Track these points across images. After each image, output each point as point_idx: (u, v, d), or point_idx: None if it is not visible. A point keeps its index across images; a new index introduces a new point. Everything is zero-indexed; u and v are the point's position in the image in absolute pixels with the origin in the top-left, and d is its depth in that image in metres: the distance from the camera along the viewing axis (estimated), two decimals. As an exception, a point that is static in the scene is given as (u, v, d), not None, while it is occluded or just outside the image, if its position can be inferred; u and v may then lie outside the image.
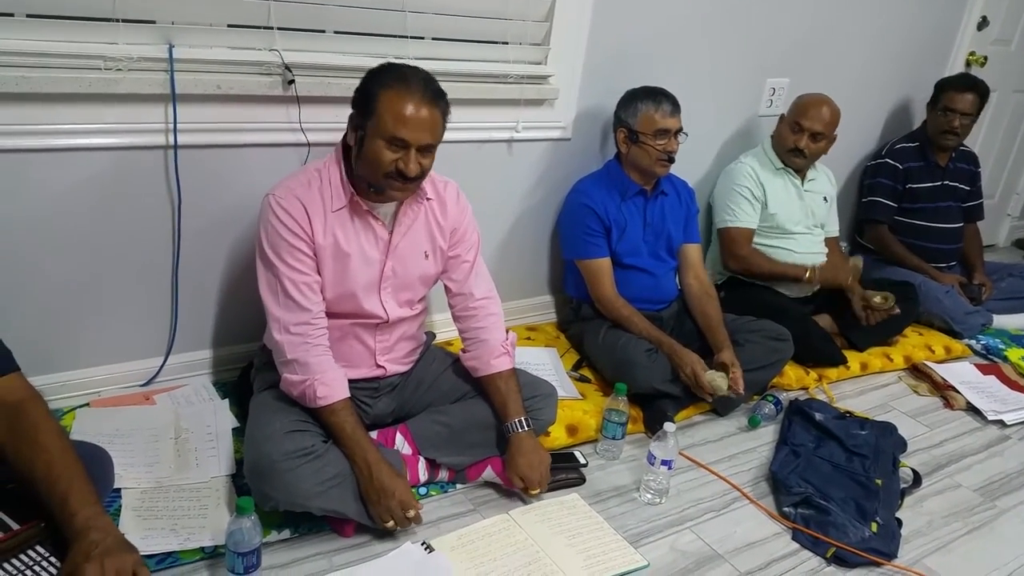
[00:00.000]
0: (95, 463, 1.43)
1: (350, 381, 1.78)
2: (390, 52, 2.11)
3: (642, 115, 2.37)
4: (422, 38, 2.17)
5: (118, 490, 1.71)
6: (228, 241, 2.10)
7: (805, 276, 2.79)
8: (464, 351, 1.99)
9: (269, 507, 1.64)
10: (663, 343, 2.34)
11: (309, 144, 2.06)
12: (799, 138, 2.75)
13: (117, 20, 1.75)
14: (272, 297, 1.72)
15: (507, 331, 1.99)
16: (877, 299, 2.77)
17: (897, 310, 2.82)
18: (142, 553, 1.28)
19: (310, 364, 1.70)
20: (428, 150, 1.68)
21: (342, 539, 1.73)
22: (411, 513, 1.69)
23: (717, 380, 2.23)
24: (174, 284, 2.06)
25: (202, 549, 1.61)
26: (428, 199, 1.84)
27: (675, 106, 2.38)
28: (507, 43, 2.33)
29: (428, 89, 1.64)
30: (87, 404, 2.01)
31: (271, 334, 1.74)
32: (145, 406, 2.03)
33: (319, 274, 1.74)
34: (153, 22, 1.81)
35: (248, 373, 2.00)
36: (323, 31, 2.05)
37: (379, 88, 1.63)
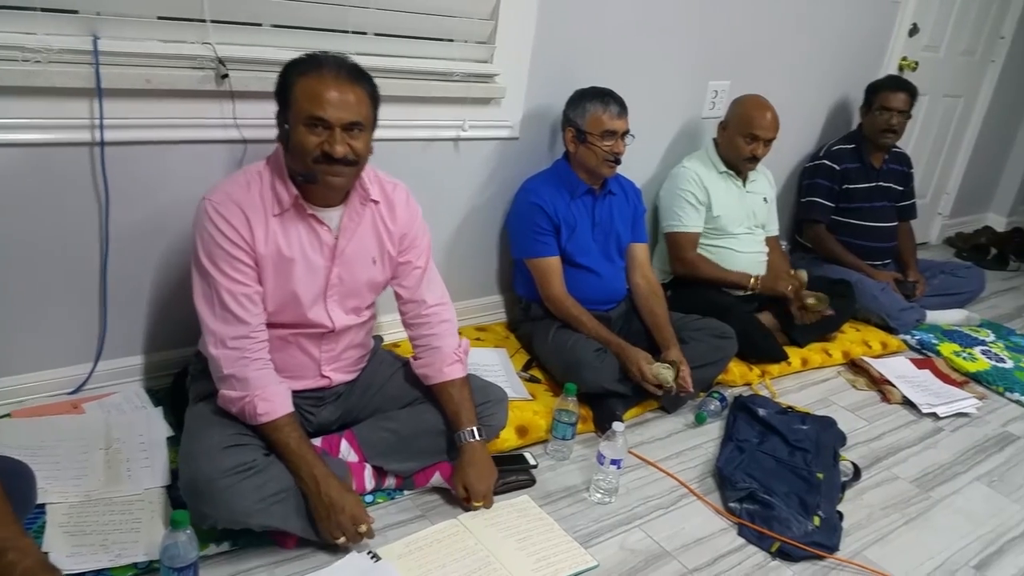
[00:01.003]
0: (15, 479, 1.35)
1: (293, 392, 1.72)
2: (330, 47, 2.03)
3: (590, 115, 2.37)
4: (364, 33, 2.13)
5: (42, 506, 1.62)
6: (160, 241, 2.02)
7: (750, 284, 2.83)
8: (415, 358, 1.93)
9: (207, 525, 1.57)
10: (611, 343, 2.33)
11: (245, 141, 1.99)
12: (756, 147, 2.80)
13: (36, 9, 1.67)
14: (208, 308, 1.63)
15: (459, 337, 1.95)
16: (811, 300, 2.81)
17: (831, 311, 2.87)
18: (70, 572, 1.22)
19: (249, 380, 1.62)
20: (354, 129, 1.60)
21: (284, 551, 1.67)
22: (363, 528, 1.64)
23: (663, 372, 2.24)
24: (102, 287, 1.97)
25: (135, 565, 1.54)
26: (374, 201, 1.77)
27: (622, 108, 2.39)
28: (452, 40, 2.29)
29: (344, 67, 1.60)
30: (8, 415, 1.90)
31: (207, 348, 1.65)
32: (73, 415, 1.94)
33: (260, 283, 1.66)
34: (76, 12, 1.72)
35: (183, 379, 1.92)
36: (259, 24, 1.98)
37: (295, 75, 1.59)
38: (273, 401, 1.63)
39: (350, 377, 1.91)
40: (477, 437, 1.85)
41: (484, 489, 1.84)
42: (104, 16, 1.76)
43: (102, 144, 1.82)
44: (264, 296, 1.67)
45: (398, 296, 1.92)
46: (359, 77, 1.62)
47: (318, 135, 1.58)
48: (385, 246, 1.81)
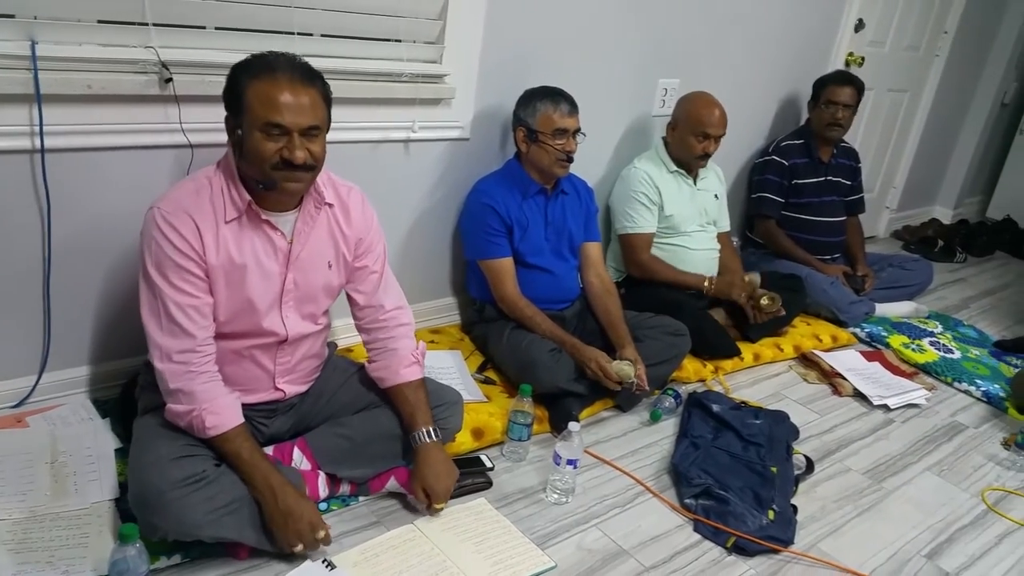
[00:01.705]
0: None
1: (245, 405, 1.69)
2: (276, 48, 2.02)
3: (541, 115, 2.37)
4: (310, 35, 2.11)
5: (-15, 523, 1.58)
6: (106, 250, 1.98)
7: (704, 287, 2.86)
8: (371, 361, 1.92)
9: (157, 538, 1.54)
10: (565, 342, 2.34)
11: (192, 145, 1.96)
12: (707, 144, 2.83)
13: (-30, 14, 1.62)
14: (154, 321, 1.59)
15: (416, 340, 1.95)
16: (764, 300, 2.85)
17: (783, 312, 2.90)
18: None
19: (195, 393, 1.59)
20: (312, 133, 1.57)
21: (237, 561, 1.65)
22: (320, 534, 1.62)
23: (624, 368, 2.27)
24: (46, 297, 1.93)
25: (83, 582, 1.51)
26: (328, 204, 1.75)
27: (573, 106, 2.39)
28: (400, 41, 2.28)
29: (297, 69, 1.56)
30: (-52, 430, 1.85)
31: (153, 361, 1.62)
32: (16, 429, 1.89)
33: (211, 294, 1.62)
34: (12, 16, 1.68)
35: (130, 389, 1.88)
36: (203, 27, 1.95)
37: (246, 79, 1.54)
38: (221, 414, 1.60)
39: (304, 388, 1.89)
40: (433, 438, 1.84)
41: (443, 490, 1.83)
42: (42, 20, 1.72)
43: (42, 151, 1.78)
44: (216, 306, 1.64)
45: (354, 301, 1.90)
46: (312, 78, 1.58)
47: (276, 141, 1.54)
48: (340, 249, 1.79)
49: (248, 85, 1.53)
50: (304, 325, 1.78)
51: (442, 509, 1.85)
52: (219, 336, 1.67)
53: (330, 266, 1.78)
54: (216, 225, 1.60)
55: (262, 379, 1.78)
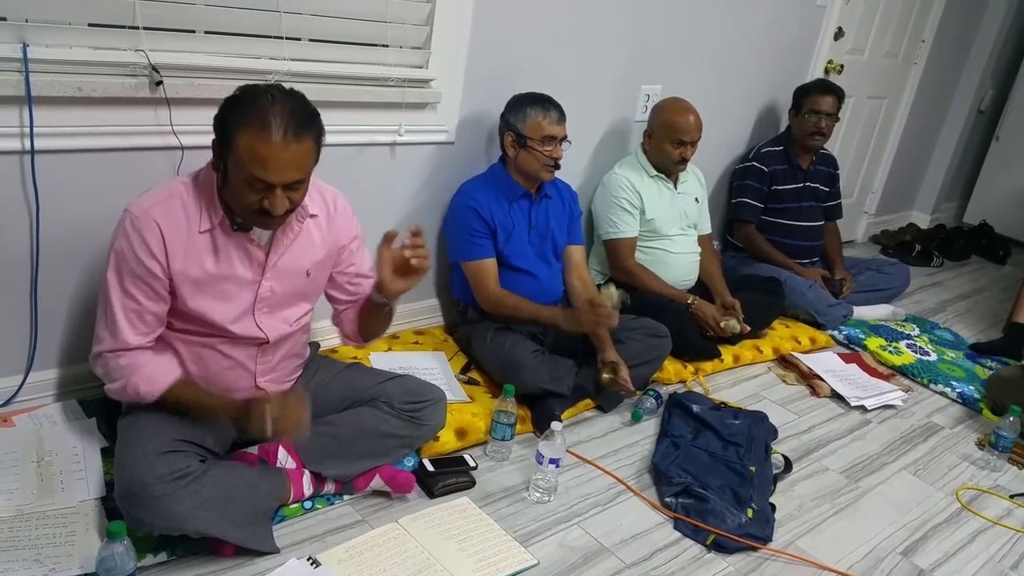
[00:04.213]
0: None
1: None
2: (264, 52, 2.06)
3: (531, 121, 2.40)
4: (298, 39, 2.12)
5: (-28, 522, 1.59)
6: (93, 250, 1.97)
7: (687, 302, 2.88)
8: (340, 319, 1.97)
9: (143, 532, 1.57)
10: (546, 317, 2.40)
11: (183, 147, 1.97)
12: (684, 150, 2.86)
13: (-38, 16, 1.64)
14: (101, 315, 1.64)
15: None
16: (723, 324, 2.86)
17: (746, 329, 2.91)
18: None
19: (123, 367, 1.63)
20: (296, 185, 1.57)
21: (222, 559, 1.66)
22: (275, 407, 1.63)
23: (606, 291, 2.33)
24: (33, 298, 1.93)
25: (70, 579, 1.52)
26: (312, 215, 1.75)
27: (561, 114, 2.43)
28: (387, 46, 2.30)
29: (291, 122, 1.49)
30: (-65, 430, 1.86)
31: (93, 347, 1.67)
32: (2, 428, 1.89)
33: (174, 301, 1.64)
34: (4, 19, 1.69)
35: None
36: (193, 31, 1.97)
37: (236, 126, 1.50)
38: (152, 378, 1.64)
39: (285, 386, 1.90)
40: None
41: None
42: (33, 23, 1.73)
43: (32, 152, 1.78)
44: (187, 310, 1.65)
45: (338, 300, 1.92)
46: (304, 128, 1.52)
47: (258, 192, 1.53)
48: (320, 258, 1.80)
49: (238, 131, 1.49)
50: (283, 327, 1.79)
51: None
52: (198, 336, 1.70)
53: (308, 274, 1.79)
54: (188, 234, 1.61)
55: (243, 378, 1.80)
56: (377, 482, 1.91)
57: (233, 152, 1.51)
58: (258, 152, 1.49)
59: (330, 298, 1.93)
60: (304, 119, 1.53)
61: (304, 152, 1.54)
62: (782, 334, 3.19)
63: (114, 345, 1.62)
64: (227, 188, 1.59)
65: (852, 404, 2.80)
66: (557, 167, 2.46)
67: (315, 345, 2.08)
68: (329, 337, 2.38)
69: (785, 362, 3.05)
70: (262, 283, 1.72)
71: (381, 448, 1.90)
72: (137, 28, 1.84)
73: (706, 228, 3.18)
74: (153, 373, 1.64)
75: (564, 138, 2.44)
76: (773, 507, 2.13)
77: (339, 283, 1.89)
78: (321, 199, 1.79)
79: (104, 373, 1.67)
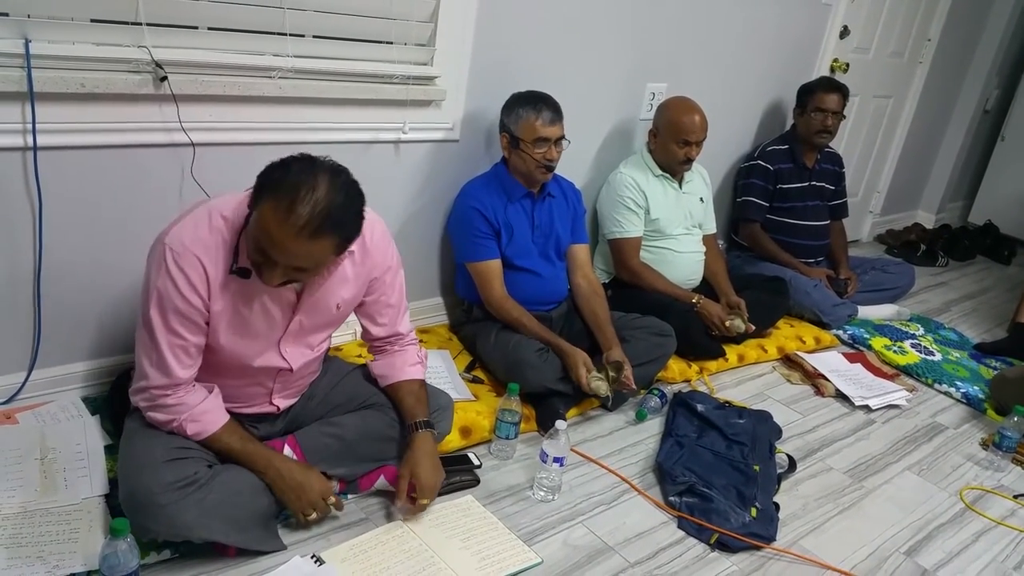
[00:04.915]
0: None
1: (237, 414, 1.72)
2: (268, 49, 2.05)
3: (523, 122, 2.38)
4: (302, 36, 2.12)
5: (-25, 519, 1.59)
6: (97, 247, 1.98)
7: (692, 301, 2.87)
8: (375, 360, 1.95)
9: (148, 538, 1.56)
10: (552, 343, 2.37)
11: (193, 144, 1.97)
12: (689, 150, 2.85)
13: (-36, 12, 1.63)
14: (145, 355, 1.60)
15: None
16: (727, 323, 2.84)
17: (751, 328, 2.89)
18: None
19: (173, 407, 1.61)
20: (301, 271, 1.52)
21: (226, 558, 1.66)
22: (331, 499, 1.69)
23: (594, 383, 2.27)
24: (36, 294, 1.93)
25: (73, 576, 1.52)
26: (349, 251, 1.66)
27: (556, 113, 2.40)
28: (391, 43, 2.30)
29: (313, 220, 1.41)
30: (-62, 427, 1.86)
31: (137, 382, 1.63)
32: (6, 425, 1.89)
33: (209, 334, 1.61)
34: (6, 15, 1.69)
35: (122, 385, 1.87)
36: (196, 27, 1.96)
37: (265, 192, 1.44)
38: (201, 420, 1.63)
39: (296, 399, 1.90)
40: (431, 428, 1.87)
41: (430, 485, 1.81)
42: (35, 19, 1.72)
43: (35, 149, 1.78)
44: (217, 343, 1.63)
45: (368, 331, 1.90)
46: (327, 229, 1.44)
47: (262, 255, 1.49)
48: (352, 292, 1.77)
49: (264, 198, 1.44)
50: (306, 353, 1.79)
51: (426, 506, 1.84)
52: (219, 364, 1.68)
53: (338, 307, 1.77)
54: (225, 269, 1.57)
55: (259, 395, 1.81)
56: (382, 482, 1.90)
57: (257, 210, 1.46)
58: (270, 230, 1.43)
59: (362, 324, 1.92)
60: (335, 221, 1.45)
61: (320, 250, 1.48)
62: (787, 333, 3.18)
63: (164, 382, 1.59)
64: (246, 232, 1.54)
65: (856, 404, 2.79)
66: (551, 169, 2.44)
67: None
68: (337, 336, 2.36)
69: (790, 361, 3.04)
70: (292, 318, 1.70)
71: (386, 451, 1.90)
72: (140, 24, 1.83)
73: (711, 227, 3.17)
74: (203, 414, 1.63)
75: (560, 138, 2.41)
76: (777, 506, 2.13)
77: (368, 312, 1.86)
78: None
79: (150, 406, 1.62)
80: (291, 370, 1.76)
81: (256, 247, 1.49)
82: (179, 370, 1.60)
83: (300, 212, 1.41)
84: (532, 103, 2.38)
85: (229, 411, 1.72)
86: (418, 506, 1.82)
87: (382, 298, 1.85)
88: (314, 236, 1.43)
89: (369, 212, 1.62)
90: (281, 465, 1.67)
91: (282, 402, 1.85)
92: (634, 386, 2.37)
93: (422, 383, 1.93)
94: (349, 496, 1.91)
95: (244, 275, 1.56)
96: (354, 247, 1.67)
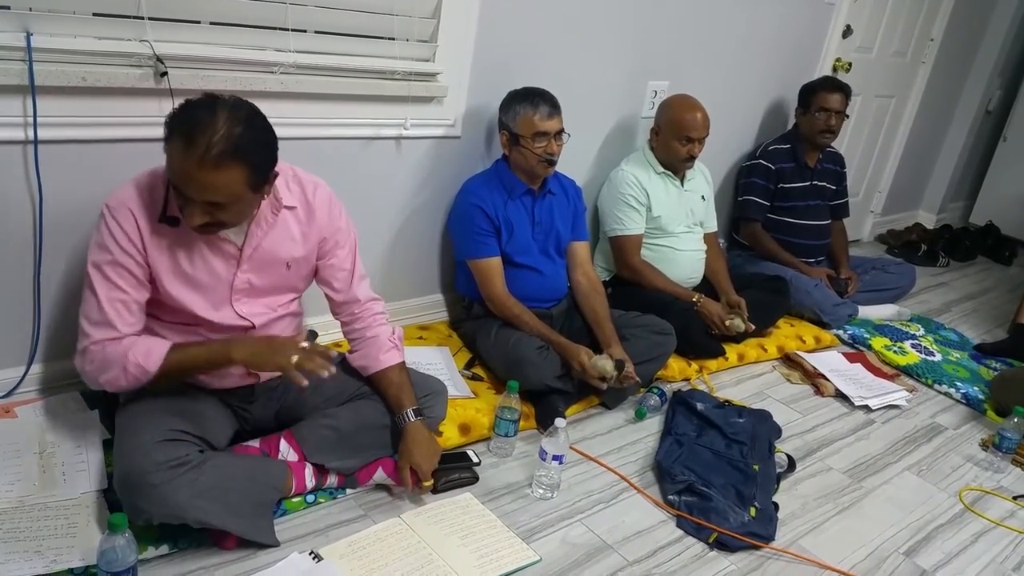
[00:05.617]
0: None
1: (222, 391, 1.72)
2: (270, 44, 2.05)
3: (521, 118, 2.38)
4: (304, 31, 2.11)
5: (-27, 513, 1.58)
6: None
7: (693, 300, 2.87)
8: (352, 351, 1.94)
9: (142, 520, 1.56)
10: (552, 340, 2.36)
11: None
12: (692, 147, 2.85)
13: (-35, 4, 1.62)
14: (85, 317, 1.61)
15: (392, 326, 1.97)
16: (727, 323, 2.84)
17: (751, 327, 2.89)
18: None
19: (116, 352, 1.59)
20: (219, 207, 1.52)
21: (224, 552, 1.66)
22: (304, 344, 1.66)
23: (600, 363, 2.27)
24: (35, 289, 1.93)
25: (71, 571, 1.52)
26: (290, 207, 1.72)
27: (554, 107, 2.39)
28: (394, 39, 2.29)
29: (213, 147, 1.43)
30: (-63, 421, 1.86)
31: (78, 343, 1.63)
32: (4, 420, 1.89)
33: (154, 291, 1.63)
34: (8, 8, 1.68)
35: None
36: (198, 22, 1.95)
37: (172, 133, 1.47)
38: (150, 351, 1.60)
39: (278, 372, 1.88)
40: (418, 417, 1.87)
41: (429, 467, 1.86)
42: (37, 12, 1.72)
43: (35, 142, 1.78)
44: (167, 299, 1.65)
45: (330, 298, 1.91)
46: (229, 157, 1.46)
47: (181, 198, 1.52)
48: (301, 251, 1.78)
49: (170, 136, 1.48)
50: (267, 312, 1.79)
51: (429, 488, 1.88)
52: (184, 325, 1.69)
53: (288, 267, 1.77)
54: (156, 219, 1.60)
55: None
56: (380, 475, 1.90)
57: (167, 152, 1.50)
58: (176, 165, 1.48)
59: (326, 296, 1.92)
60: (237, 148, 1.47)
61: (227, 180, 1.48)
62: (787, 333, 3.18)
63: (105, 335, 1.60)
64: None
65: (856, 404, 2.79)
66: (552, 163, 2.44)
67: (312, 334, 2.07)
68: (331, 333, 2.37)
69: (790, 361, 3.04)
70: (237, 275, 1.70)
71: (383, 440, 1.90)
72: (142, 18, 1.83)
73: (712, 226, 3.16)
74: (149, 347, 1.62)
75: (560, 132, 2.41)
76: (776, 506, 2.12)
77: (324, 277, 1.87)
78: (300, 190, 1.76)
79: (96, 367, 1.61)
80: (254, 327, 1.76)
81: (174, 189, 1.52)
82: (121, 325, 1.60)
83: (199, 142, 1.44)
84: (529, 98, 2.38)
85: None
86: (423, 488, 1.87)
87: (334, 261, 1.85)
88: (217, 165, 1.45)
89: (312, 175, 1.75)
90: (242, 337, 1.69)
91: (262, 372, 1.82)
92: (638, 378, 2.37)
93: (401, 366, 1.92)
94: (348, 491, 1.91)
95: (173, 223, 1.59)
96: (296, 203, 1.73)
